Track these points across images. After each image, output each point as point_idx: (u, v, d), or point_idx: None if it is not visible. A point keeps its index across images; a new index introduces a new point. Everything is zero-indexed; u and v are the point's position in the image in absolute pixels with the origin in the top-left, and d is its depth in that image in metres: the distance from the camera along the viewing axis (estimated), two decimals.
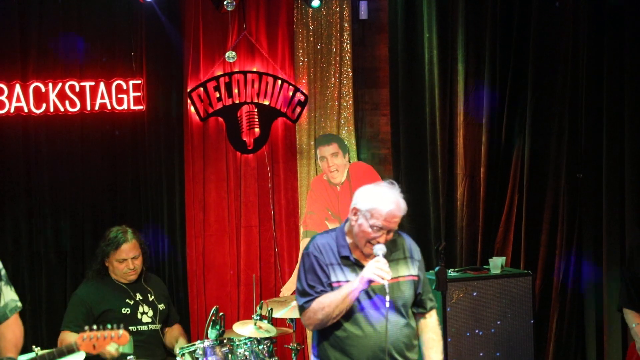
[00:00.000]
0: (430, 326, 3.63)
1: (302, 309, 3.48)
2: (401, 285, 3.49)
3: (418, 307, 3.59)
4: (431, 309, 3.63)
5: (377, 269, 3.30)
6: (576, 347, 5.47)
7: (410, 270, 3.54)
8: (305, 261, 3.50)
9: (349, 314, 3.43)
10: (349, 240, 3.49)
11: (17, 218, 5.44)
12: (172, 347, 5.05)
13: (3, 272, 3.56)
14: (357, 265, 3.44)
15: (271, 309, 4.98)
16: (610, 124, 5.26)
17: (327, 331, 3.48)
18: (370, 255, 3.42)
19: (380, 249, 3.37)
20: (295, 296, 3.59)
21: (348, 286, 3.37)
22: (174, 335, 5.11)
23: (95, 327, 3.66)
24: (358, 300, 3.42)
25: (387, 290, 3.32)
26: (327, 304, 3.38)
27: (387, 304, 3.33)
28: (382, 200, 3.40)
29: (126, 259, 4.93)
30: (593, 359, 5.38)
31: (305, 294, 3.45)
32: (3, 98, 5.38)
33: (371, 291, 3.43)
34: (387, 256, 3.38)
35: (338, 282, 3.43)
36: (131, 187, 5.77)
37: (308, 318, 3.45)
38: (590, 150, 5.36)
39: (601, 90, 5.30)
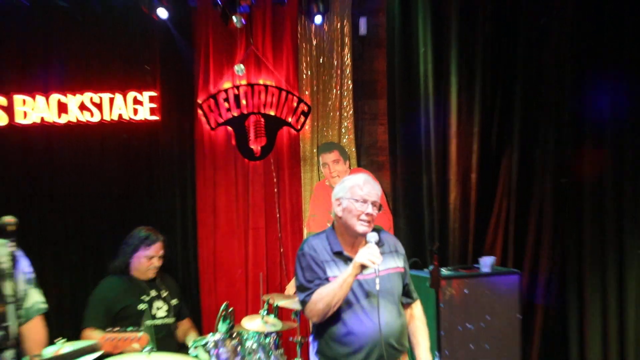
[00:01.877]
0: (417, 315, 3.70)
1: (303, 303, 3.50)
2: (391, 277, 3.54)
3: (406, 297, 3.67)
4: (416, 298, 3.73)
5: (369, 254, 3.33)
6: (560, 339, 5.51)
7: (397, 262, 3.60)
8: (301, 261, 3.53)
9: (346, 309, 3.45)
10: (339, 238, 3.55)
11: (42, 220, 5.44)
12: (183, 340, 5.09)
13: (33, 276, 3.59)
14: (349, 260, 3.47)
15: (277, 305, 4.99)
16: (591, 134, 5.29)
17: (327, 327, 3.50)
18: (358, 241, 3.52)
19: (372, 236, 3.43)
20: (297, 294, 3.59)
21: (343, 273, 3.40)
22: (185, 329, 5.19)
23: (117, 328, 3.71)
24: (354, 295, 3.45)
25: (377, 272, 3.37)
26: (325, 293, 3.40)
27: (378, 285, 3.38)
28: (354, 178, 3.56)
29: (154, 256, 5.02)
30: (575, 350, 5.42)
31: (305, 289, 3.48)
32: (28, 109, 5.41)
33: (367, 284, 3.46)
34: (377, 245, 3.44)
35: (334, 276, 3.46)
36: (147, 191, 5.80)
37: (310, 310, 3.47)
38: (573, 157, 5.39)
39: (585, 102, 5.31)
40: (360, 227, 3.49)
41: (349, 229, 3.52)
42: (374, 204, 3.49)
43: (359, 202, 3.47)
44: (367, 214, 3.47)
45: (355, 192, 3.49)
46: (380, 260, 3.35)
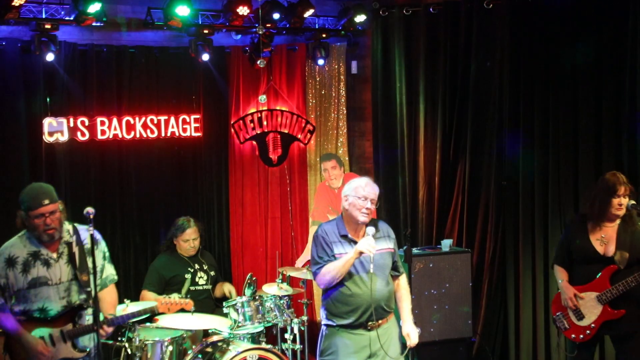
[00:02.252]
0: (403, 285, 3.69)
1: (315, 274, 3.51)
2: (383, 255, 3.53)
3: (394, 271, 3.63)
4: (402, 272, 3.69)
5: (367, 244, 3.37)
6: (500, 301, 5.53)
7: (388, 244, 3.59)
8: (316, 241, 3.53)
9: (349, 279, 3.45)
10: (346, 225, 3.54)
11: (114, 211, 5.40)
12: (222, 295, 5.04)
13: (108, 253, 3.62)
14: (352, 242, 3.49)
15: (289, 275, 5.00)
16: (524, 148, 5.32)
17: (333, 291, 3.49)
18: (362, 231, 3.51)
19: (370, 230, 3.44)
20: (310, 266, 3.58)
21: (346, 256, 3.43)
22: (221, 288, 5.12)
23: (171, 295, 3.74)
24: (355, 269, 3.44)
25: (372, 259, 3.39)
26: (332, 268, 3.43)
27: (372, 269, 3.40)
28: (358, 180, 3.57)
29: (189, 240, 4.95)
30: (512, 311, 5.43)
31: (317, 263, 3.49)
32: (105, 128, 5.32)
33: (365, 262, 3.45)
34: (374, 235, 3.45)
35: (340, 254, 3.46)
36: (192, 189, 5.75)
37: (319, 280, 3.49)
38: (511, 165, 5.43)
39: (518, 124, 5.36)
40: (361, 218, 3.48)
41: (353, 219, 3.50)
42: (372, 201, 3.48)
43: (360, 199, 3.46)
44: (367, 208, 3.46)
45: (359, 191, 3.48)
46: (375, 250, 3.39)
